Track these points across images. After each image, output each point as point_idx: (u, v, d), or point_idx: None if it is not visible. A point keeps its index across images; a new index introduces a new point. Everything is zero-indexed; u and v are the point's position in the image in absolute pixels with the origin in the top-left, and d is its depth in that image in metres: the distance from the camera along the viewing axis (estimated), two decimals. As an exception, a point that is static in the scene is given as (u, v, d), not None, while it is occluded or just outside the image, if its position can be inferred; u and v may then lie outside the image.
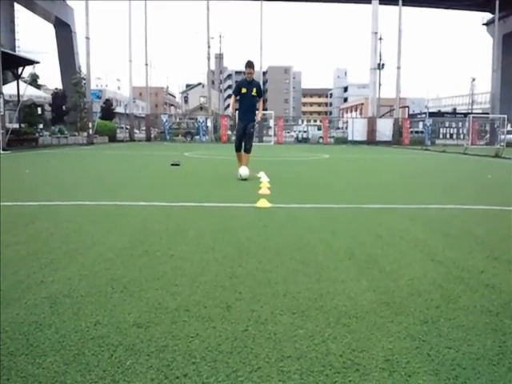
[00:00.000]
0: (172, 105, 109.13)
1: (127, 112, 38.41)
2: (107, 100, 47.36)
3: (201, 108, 72.70)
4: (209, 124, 36.59)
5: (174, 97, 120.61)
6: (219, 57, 77.39)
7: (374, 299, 2.37)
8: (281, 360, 1.72)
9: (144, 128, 40.41)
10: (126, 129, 38.14)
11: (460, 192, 7.41)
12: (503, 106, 44.40)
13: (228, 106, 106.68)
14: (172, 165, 11.24)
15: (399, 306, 2.28)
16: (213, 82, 64.06)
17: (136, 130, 39.58)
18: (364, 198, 5.95)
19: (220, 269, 2.86)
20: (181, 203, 5.52)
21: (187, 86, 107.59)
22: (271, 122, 37.67)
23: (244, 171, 7.99)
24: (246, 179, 7.83)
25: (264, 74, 46.99)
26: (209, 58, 38.60)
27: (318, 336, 1.92)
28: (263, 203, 5.34)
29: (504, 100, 46.21)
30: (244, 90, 8.30)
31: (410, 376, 1.62)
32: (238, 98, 8.65)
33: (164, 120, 36.55)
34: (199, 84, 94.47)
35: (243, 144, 8.44)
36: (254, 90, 8.37)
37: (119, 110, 55.15)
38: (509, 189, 8.06)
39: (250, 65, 8.36)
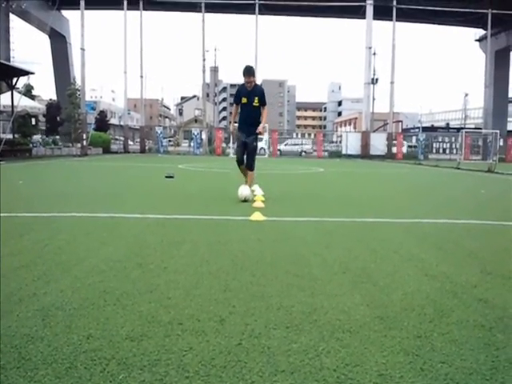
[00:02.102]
0: (167, 117, 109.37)
1: (122, 124, 38.46)
2: (101, 111, 47.43)
3: (195, 120, 72.92)
4: (203, 137, 36.69)
5: (169, 109, 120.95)
6: (214, 70, 77.85)
7: (368, 313, 2.37)
8: (274, 374, 1.71)
9: (138, 140, 40.40)
10: (121, 140, 38.14)
11: (453, 207, 7.45)
12: (496, 120, 44.91)
13: (223, 118, 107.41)
14: (166, 177, 11.24)
15: (393, 321, 2.28)
16: (208, 95, 64.37)
17: (130, 142, 39.55)
18: (358, 212, 5.97)
19: (214, 282, 2.85)
20: (175, 216, 5.51)
21: (182, 98, 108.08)
22: (265, 135, 37.84)
23: (244, 191, 6.93)
24: (246, 200, 6.80)
25: (259, 87, 47.47)
26: (204, 71, 38.85)
27: (312, 350, 1.92)
28: (257, 216, 5.35)
29: (496, 115, 46.73)
30: (244, 100, 7.16)
31: (404, 391, 1.62)
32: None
33: (158, 132, 36.60)
34: (194, 96, 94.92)
35: (245, 159, 7.41)
36: (256, 99, 7.14)
37: (114, 121, 55.21)
38: (502, 203, 8.12)
39: (248, 72, 7.09)
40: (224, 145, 36.39)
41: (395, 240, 4.36)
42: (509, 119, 55.64)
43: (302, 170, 17.62)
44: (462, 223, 5.56)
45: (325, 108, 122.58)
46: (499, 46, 48.80)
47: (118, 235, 4.30)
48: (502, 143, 37.09)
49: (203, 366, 1.76)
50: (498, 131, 35.42)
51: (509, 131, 49.31)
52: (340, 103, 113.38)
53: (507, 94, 52.09)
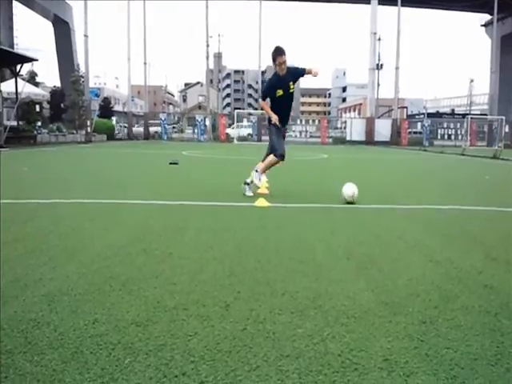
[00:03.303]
0: (170, 103, 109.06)
1: (125, 110, 38.36)
2: (105, 98, 47.28)
3: (199, 107, 72.70)
4: (207, 123, 36.58)
5: (173, 95, 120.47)
6: (218, 56, 77.37)
7: (373, 299, 2.37)
8: (279, 359, 1.72)
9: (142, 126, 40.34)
10: (125, 127, 38.10)
11: (458, 193, 7.42)
12: (501, 107, 44.51)
13: (227, 105, 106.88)
14: (170, 163, 11.23)
15: (397, 306, 2.28)
16: (211, 81, 64.02)
17: (134, 128, 39.50)
18: (363, 198, 5.94)
19: (219, 267, 2.85)
20: (179, 202, 5.51)
21: (186, 84, 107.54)
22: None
23: (350, 190, 5.66)
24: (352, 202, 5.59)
25: (263, 73, 46.91)
26: (207, 57, 38.59)
27: (317, 335, 1.92)
28: (262, 202, 5.34)
29: (502, 101, 46.29)
30: (280, 93, 6.09)
31: (409, 376, 1.62)
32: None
33: (163, 119, 36.50)
34: (198, 83, 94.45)
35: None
36: (291, 83, 6.14)
37: (118, 108, 55.08)
38: (506, 190, 8.08)
39: (280, 51, 5.98)
40: (228, 131, 36.24)
41: (400, 226, 4.35)
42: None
43: (305, 156, 17.55)
44: (467, 209, 5.53)
45: (329, 94, 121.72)
46: (505, 31, 48.16)
47: (122, 221, 4.31)
48: (507, 129, 36.80)
49: (208, 351, 1.77)
50: (503, 117, 35.11)
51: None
52: (344, 89, 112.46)
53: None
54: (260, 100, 6.31)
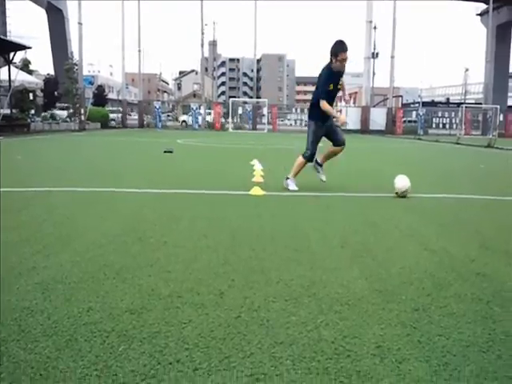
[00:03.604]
0: (165, 91, 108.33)
1: (120, 98, 38.08)
2: (99, 86, 46.87)
3: (194, 95, 72.22)
4: (202, 111, 36.38)
5: (167, 83, 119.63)
6: (213, 44, 76.70)
7: (366, 287, 2.38)
8: (273, 346, 1.73)
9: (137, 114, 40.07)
10: (119, 114, 37.82)
11: (453, 181, 7.44)
12: (496, 96, 44.57)
13: (222, 93, 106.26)
14: (165, 152, 11.19)
15: (391, 294, 2.29)
16: (206, 69, 63.59)
17: (128, 116, 39.24)
18: (358, 187, 5.97)
19: (213, 256, 2.86)
20: (174, 190, 5.50)
21: (180, 72, 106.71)
22: (265, 110, 37.53)
23: (402, 182, 5.39)
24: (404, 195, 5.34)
25: (258, 61, 46.64)
26: (202, 45, 38.28)
27: (311, 323, 1.93)
28: (257, 191, 5.34)
29: (497, 90, 46.34)
30: (331, 87, 5.65)
31: (401, 362, 1.64)
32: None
33: (157, 107, 36.26)
34: (192, 71, 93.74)
35: (338, 137, 5.95)
36: (340, 79, 5.75)
37: (112, 96, 54.65)
38: (501, 178, 8.11)
39: (345, 47, 5.49)
40: (223, 120, 36.10)
41: (395, 215, 4.36)
42: (509, 94, 55.30)
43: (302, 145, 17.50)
44: (462, 198, 5.55)
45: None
46: (500, 20, 48.10)
47: (116, 210, 4.29)
48: (501, 118, 36.84)
49: (202, 339, 1.78)
50: (497, 106, 35.17)
51: (509, 106, 48.96)
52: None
53: (508, 70, 51.65)
54: (321, 101, 5.60)
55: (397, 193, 5.34)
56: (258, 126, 36.25)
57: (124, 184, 5.95)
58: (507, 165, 11.64)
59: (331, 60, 5.53)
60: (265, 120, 36.80)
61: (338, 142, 5.95)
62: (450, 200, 5.40)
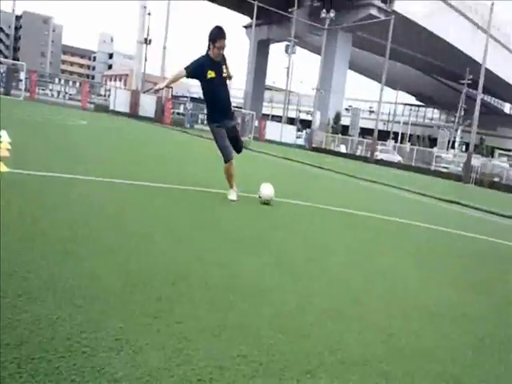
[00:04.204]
0: None
1: None
2: None
3: None
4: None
5: None
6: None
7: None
8: (-3, 347, 1.53)
9: None
10: None
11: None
12: (253, 103, 50.51)
13: None
14: None
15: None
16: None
17: None
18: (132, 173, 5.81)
19: None
20: None
21: None
22: (22, 75, 33.33)
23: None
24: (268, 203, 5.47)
25: (18, 18, 40.86)
26: None
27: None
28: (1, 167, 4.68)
29: (255, 98, 52.58)
30: (212, 74, 5.27)
31: (137, 353, 1.66)
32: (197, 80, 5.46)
33: None
34: None
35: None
36: (224, 68, 5.39)
37: None
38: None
39: (224, 34, 5.24)
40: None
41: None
42: (264, 104, 62.93)
43: (66, 120, 16.19)
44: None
45: (94, 57, 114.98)
46: (261, 36, 54.61)
47: None
48: (256, 124, 41.56)
49: None
50: (254, 113, 39.63)
51: (263, 114, 55.89)
52: (111, 56, 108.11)
53: (264, 81, 58.85)
54: (180, 69, 5.24)
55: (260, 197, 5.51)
56: (13, 92, 31.97)
57: None
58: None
59: (209, 46, 5.26)
60: (22, 86, 32.71)
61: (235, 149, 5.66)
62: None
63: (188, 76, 5.30)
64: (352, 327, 2.25)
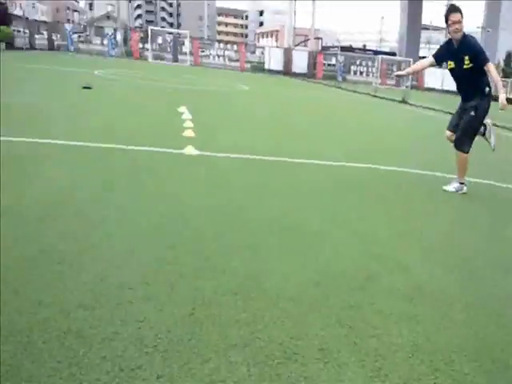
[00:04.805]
0: (76, 10, 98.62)
1: (27, 17, 34.29)
2: (1, 3, 41.54)
3: (107, 17, 66.88)
4: (118, 37, 34.00)
5: (78, 2, 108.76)
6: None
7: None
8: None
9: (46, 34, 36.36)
10: (24, 33, 34.11)
11: (370, 152, 7.87)
12: (409, 46, 46.57)
13: (138, 16, 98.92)
14: (84, 88, 10.42)
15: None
16: (122, -11, 58.38)
17: (36, 36, 35.47)
18: (278, 151, 6.10)
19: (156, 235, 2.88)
20: (94, 144, 5.16)
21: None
22: (186, 42, 35.83)
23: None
24: None
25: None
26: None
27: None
28: (190, 150, 5.22)
29: (410, 40, 48.38)
30: (451, 65, 4.96)
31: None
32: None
33: (68, 29, 33.31)
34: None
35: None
36: (466, 58, 4.79)
37: (17, 12, 48.85)
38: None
39: (451, 9, 4.84)
40: (141, 45, 33.98)
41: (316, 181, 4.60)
42: (421, 46, 57.78)
43: (226, 87, 17.07)
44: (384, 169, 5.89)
45: (246, 16, 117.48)
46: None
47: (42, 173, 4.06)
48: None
49: (160, 340, 1.87)
50: (411, 60, 36.73)
51: (421, 57, 51.26)
52: (261, 13, 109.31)
53: (420, 20, 53.50)
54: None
55: None
56: (180, 58, 34.67)
57: (29, 132, 5.40)
58: (427, 135, 12.38)
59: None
60: (186, 50, 35.21)
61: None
62: (366, 170, 5.72)
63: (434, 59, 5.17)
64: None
